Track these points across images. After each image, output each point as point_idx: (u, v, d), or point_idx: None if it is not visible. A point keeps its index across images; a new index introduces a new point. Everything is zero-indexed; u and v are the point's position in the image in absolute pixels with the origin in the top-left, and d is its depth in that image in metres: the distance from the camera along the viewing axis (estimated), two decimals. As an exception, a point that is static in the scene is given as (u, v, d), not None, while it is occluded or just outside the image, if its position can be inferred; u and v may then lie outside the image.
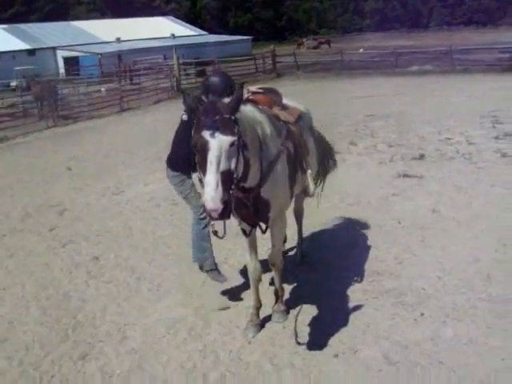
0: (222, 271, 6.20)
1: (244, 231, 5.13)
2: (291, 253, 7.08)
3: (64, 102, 25.67)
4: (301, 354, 4.98)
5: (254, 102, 4.89)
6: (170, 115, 22.24)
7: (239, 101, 4.11)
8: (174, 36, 60.97)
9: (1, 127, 21.10)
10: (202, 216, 5.75)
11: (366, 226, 7.89)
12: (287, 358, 4.94)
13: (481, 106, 17.27)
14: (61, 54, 53.83)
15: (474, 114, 15.93)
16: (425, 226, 7.73)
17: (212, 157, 3.84)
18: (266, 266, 5.76)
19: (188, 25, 71.88)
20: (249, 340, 5.27)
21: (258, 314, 5.49)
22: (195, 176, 4.69)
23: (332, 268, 6.65)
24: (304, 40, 72.13)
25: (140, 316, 5.94)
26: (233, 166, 3.96)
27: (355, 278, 6.28)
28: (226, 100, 4.15)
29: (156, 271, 7.03)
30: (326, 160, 6.96)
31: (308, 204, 6.75)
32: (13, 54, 49.64)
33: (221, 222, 4.36)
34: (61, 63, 52.68)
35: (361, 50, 43.88)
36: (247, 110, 4.48)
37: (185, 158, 5.44)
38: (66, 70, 49.65)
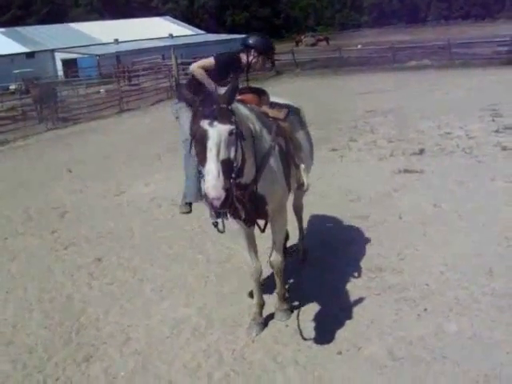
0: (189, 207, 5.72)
1: (243, 229, 5.13)
2: (293, 250, 7.06)
3: (63, 104, 25.67)
4: (304, 352, 4.98)
5: (242, 102, 4.88)
6: (170, 115, 22.25)
7: (235, 91, 4.16)
8: (172, 36, 60.95)
9: (1, 130, 21.11)
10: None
11: (367, 221, 7.88)
12: (291, 356, 4.94)
13: (480, 99, 17.25)
14: (59, 57, 53.88)
15: (474, 107, 15.91)
16: (426, 221, 7.72)
17: (212, 145, 3.86)
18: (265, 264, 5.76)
19: (186, 24, 71.90)
20: (252, 339, 5.26)
21: (260, 313, 5.48)
22: None
23: (334, 264, 6.64)
24: (302, 37, 72.14)
25: (143, 317, 5.93)
26: (232, 154, 3.97)
27: (358, 275, 6.28)
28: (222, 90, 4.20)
29: (158, 272, 7.03)
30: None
31: (309, 201, 6.73)
32: (11, 58, 49.63)
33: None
34: (59, 65, 52.75)
35: (359, 46, 43.85)
36: (237, 106, 4.48)
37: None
38: (65, 72, 49.64)
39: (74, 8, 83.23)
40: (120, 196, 10.70)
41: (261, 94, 5.51)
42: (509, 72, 24.68)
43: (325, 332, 5.18)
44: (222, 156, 3.87)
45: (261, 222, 5.05)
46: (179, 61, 32.75)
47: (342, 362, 4.79)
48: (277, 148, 4.93)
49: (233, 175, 3.98)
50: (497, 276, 5.99)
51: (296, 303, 5.77)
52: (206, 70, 5.24)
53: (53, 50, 54.79)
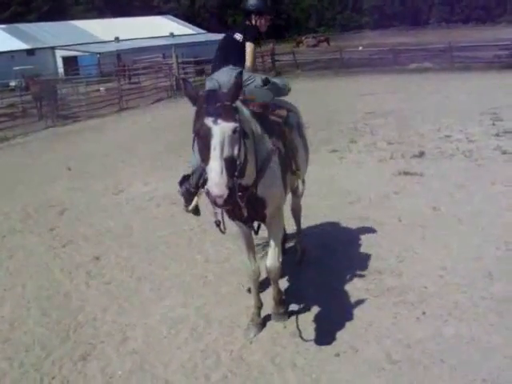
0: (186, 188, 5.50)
1: (244, 230, 5.12)
2: (291, 251, 7.05)
3: (63, 101, 25.65)
4: (302, 354, 4.96)
5: (244, 103, 4.87)
6: (170, 114, 22.33)
7: (239, 89, 4.15)
8: (172, 35, 60.91)
9: (0, 127, 21.09)
10: None
11: (366, 224, 7.86)
12: (289, 358, 4.93)
13: (480, 103, 17.24)
14: (60, 54, 53.82)
15: (474, 111, 15.91)
16: (425, 224, 7.71)
17: (215, 143, 3.84)
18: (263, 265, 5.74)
19: (187, 23, 71.87)
20: (250, 340, 5.25)
21: (259, 314, 5.47)
22: None
23: (333, 266, 6.63)
24: (303, 38, 72.15)
25: (141, 316, 5.91)
26: (235, 152, 3.96)
27: (356, 277, 6.26)
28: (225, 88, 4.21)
29: (157, 271, 7.01)
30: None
31: (308, 202, 6.71)
32: (12, 54, 49.59)
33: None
34: (60, 63, 52.67)
35: (360, 48, 43.93)
36: (240, 106, 4.47)
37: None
38: (65, 69, 49.61)
39: (74, 5, 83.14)
40: (119, 194, 10.69)
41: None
42: (509, 76, 24.68)
43: (323, 334, 5.16)
44: (226, 154, 3.86)
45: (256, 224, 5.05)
46: (180, 60, 32.74)
47: (340, 365, 4.78)
48: (277, 152, 4.92)
49: (236, 173, 3.96)
50: (496, 280, 5.97)
51: (294, 305, 5.76)
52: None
53: (53, 48, 54.76)
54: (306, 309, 5.67)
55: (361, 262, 6.62)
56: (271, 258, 5.18)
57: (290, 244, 7.17)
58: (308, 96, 20.78)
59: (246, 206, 4.56)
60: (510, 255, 6.54)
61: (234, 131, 3.94)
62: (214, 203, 3.85)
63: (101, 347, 5.42)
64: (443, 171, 10.20)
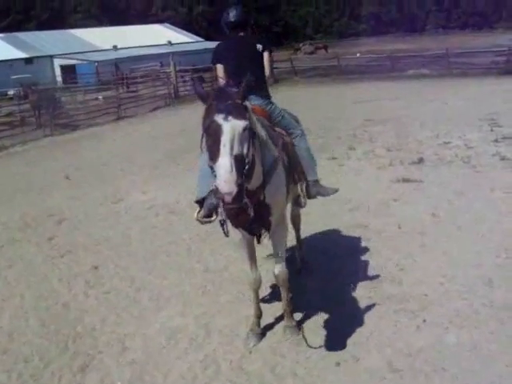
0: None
1: (247, 239, 5.08)
2: (290, 260, 7.02)
3: (62, 110, 25.64)
4: (303, 363, 4.93)
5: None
6: (168, 122, 22.35)
7: (249, 88, 4.14)
8: (170, 43, 60.99)
9: (-1, 136, 21.07)
10: None
11: (365, 231, 7.85)
12: (289, 368, 4.90)
13: (478, 109, 17.27)
14: (58, 63, 53.79)
15: (472, 117, 15.93)
16: (425, 231, 7.70)
17: (225, 140, 3.81)
18: (264, 274, 5.73)
19: (184, 32, 71.93)
20: (250, 349, 5.22)
21: (258, 323, 5.44)
22: None
23: (332, 274, 6.61)
24: (301, 45, 72.27)
25: (140, 326, 5.88)
26: (245, 151, 3.92)
27: (357, 285, 6.24)
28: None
29: (156, 280, 6.98)
30: None
31: (308, 210, 6.66)
32: (10, 63, 49.54)
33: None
34: (58, 71, 52.66)
35: (358, 55, 44.00)
36: (249, 107, 4.45)
37: None
38: (63, 78, 49.55)
39: (72, 14, 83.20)
40: (118, 203, 10.66)
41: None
42: (506, 82, 24.74)
43: (324, 343, 5.14)
44: (236, 151, 3.82)
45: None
46: (177, 68, 32.77)
47: (341, 374, 4.75)
48: (281, 160, 4.89)
49: (244, 172, 3.92)
50: (496, 287, 5.96)
51: (298, 313, 5.72)
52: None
53: (52, 56, 54.72)
54: (306, 317, 5.64)
55: (361, 270, 6.61)
56: (278, 266, 5.18)
57: (289, 253, 7.14)
58: (306, 103, 20.87)
59: (253, 211, 4.51)
60: (510, 262, 6.53)
61: (245, 129, 3.91)
62: (223, 201, 3.81)
63: (100, 358, 5.39)
64: (442, 178, 10.19)
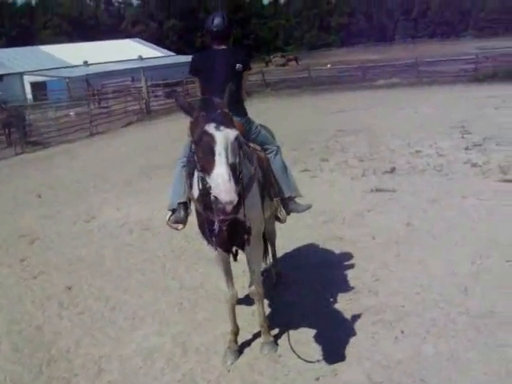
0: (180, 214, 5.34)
1: (223, 256, 5.01)
2: (266, 274, 6.97)
3: (32, 127, 25.35)
4: (281, 379, 4.88)
5: None
6: (140, 138, 22.22)
7: (232, 96, 4.14)
8: (141, 58, 60.81)
9: (-32, 155, 20.76)
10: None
11: (341, 243, 7.84)
12: (268, 384, 4.84)
13: (449, 116, 17.49)
14: (28, 80, 53.24)
15: (443, 125, 16.12)
16: (400, 241, 7.72)
17: (220, 149, 3.75)
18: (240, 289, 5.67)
19: (155, 46, 71.82)
20: (228, 367, 5.15)
21: (235, 341, 5.37)
22: None
23: (308, 288, 6.57)
24: (271, 57, 72.57)
25: (116, 347, 5.78)
26: (237, 160, 3.90)
27: (333, 297, 6.22)
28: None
29: (131, 299, 6.87)
30: None
31: (281, 224, 6.63)
32: (-21, 81, 49.03)
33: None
34: (28, 88, 52.13)
35: (328, 66, 44.28)
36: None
37: None
38: (34, 95, 49.10)
39: (42, 30, 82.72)
40: (91, 221, 10.51)
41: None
42: (475, 89, 25.13)
43: (302, 358, 5.09)
44: (230, 160, 3.77)
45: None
46: (149, 83, 32.65)
47: (320, 389, 4.71)
48: (256, 178, 4.87)
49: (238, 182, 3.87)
50: (472, 295, 5.99)
51: (276, 329, 5.67)
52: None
53: (22, 73, 54.21)
54: (283, 332, 5.58)
55: (337, 283, 6.59)
56: (254, 283, 5.15)
57: (264, 267, 7.09)
58: (278, 115, 20.91)
59: (227, 230, 4.41)
60: (484, 269, 6.57)
61: (236, 138, 3.88)
62: (223, 211, 3.73)
63: (76, 381, 5.27)
64: (415, 186, 10.26)
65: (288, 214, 5.77)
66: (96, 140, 23.72)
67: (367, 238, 7.92)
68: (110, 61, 57.07)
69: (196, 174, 4.49)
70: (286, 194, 5.62)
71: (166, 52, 70.70)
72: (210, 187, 3.79)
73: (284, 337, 5.48)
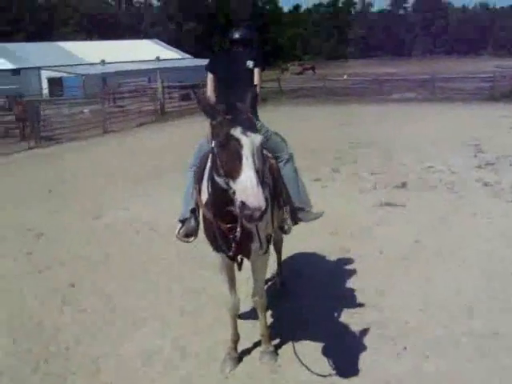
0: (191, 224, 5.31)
1: (227, 263, 4.95)
2: (270, 283, 6.94)
3: (46, 122, 25.43)
4: (280, 390, 4.84)
5: None
6: (153, 139, 22.25)
7: (256, 100, 4.11)
8: (158, 59, 61.04)
9: (-19, 148, 20.84)
10: None
11: (347, 256, 7.79)
12: (265, 394, 4.80)
13: (462, 134, 17.42)
14: (45, 75, 53.60)
15: (456, 142, 16.05)
16: (407, 257, 7.66)
17: (247, 153, 3.66)
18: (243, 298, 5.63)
19: (173, 48, 72.11)
20: (226, 375, 5.10)
21: (235, 348, 5.32)
22: None
23: (313, 299, 6.52)
24: (288, 65, 72.68)
25: (115, 347, 5.74)
26: (261, 166, 3.85)
27: (337, 311, 6.16)
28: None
29: (132, 300, 6.84)
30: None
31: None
32: (-4, 74, 49.37)
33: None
34: (45, 83, 52.46)
35: (345, 76, 44.21)
36: None
37: None
38: (50, 90, 49.38)
39: (62, 27, 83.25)
40: (98, 219, 10.51)
41: None
42: (490, 108, 25.04)
43: (302, 370, 5.04)
44: (257, 166, 3.70)
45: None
46: (165, 84, 32.72)
47: (318, 402, 4.66)
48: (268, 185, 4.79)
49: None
50: (476, 315, 5.93)
51: (277, 339, 5.62)
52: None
53: (39, 68, 54.56)
54: (285, 344, 5.54)
55: (341, 296, 6.54)
56: (257, 293, 5.12)
57: (269, 277, 7.05)
58: (292, 123, 20.86)
59: (234, 239, 4.38)
60: (490, 289, 6.51)
61: (261, 144, 3.85)
62: (250, 218, 3.60)
63: (72, 379, 5.23)
64: (425, 203, 10.20)
65: (296, 223, 5.69)
66: (109, 138, 23.75)
67: (374, 252, 7.86)
68: (127, 60, 57.31)
69: (205, 178, 4.46)
70: (295, 205, 5.55)
71: (183, 54, 70.92)
72: (233, 192, 3.68)
73: (284, 347, 5.45)
